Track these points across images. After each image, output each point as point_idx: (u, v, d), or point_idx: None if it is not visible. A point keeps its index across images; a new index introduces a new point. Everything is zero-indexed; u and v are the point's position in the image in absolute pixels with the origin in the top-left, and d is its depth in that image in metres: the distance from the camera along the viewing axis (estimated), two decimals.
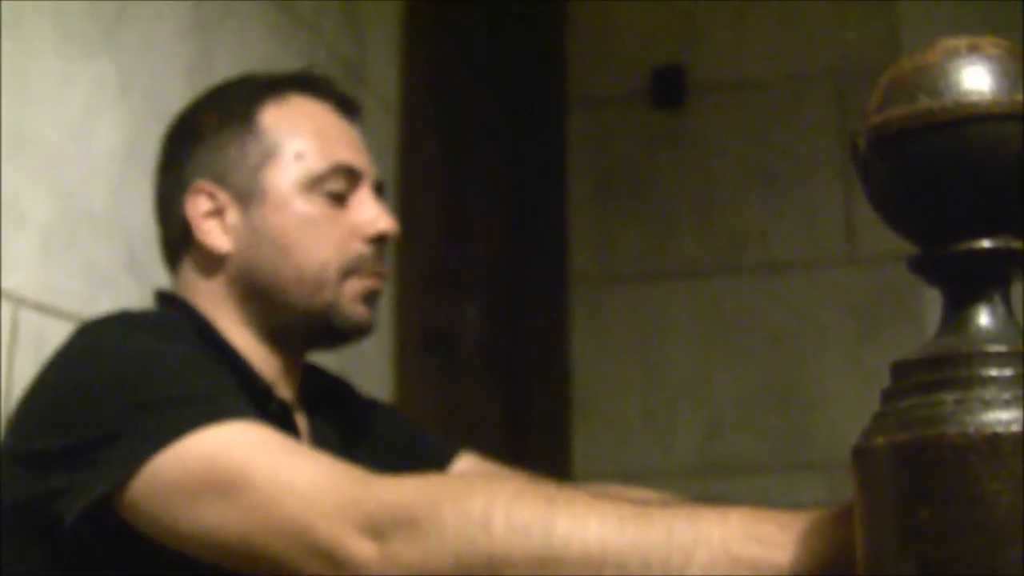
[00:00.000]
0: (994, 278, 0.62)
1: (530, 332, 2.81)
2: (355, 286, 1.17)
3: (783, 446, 2.65)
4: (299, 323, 1.17)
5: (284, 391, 1.18)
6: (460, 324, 2.48)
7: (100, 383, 1.01)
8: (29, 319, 1.27)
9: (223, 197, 1.16)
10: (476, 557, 0.79)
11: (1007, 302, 0.62)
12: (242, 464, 0.92)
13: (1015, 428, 0.56)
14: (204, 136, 1.18)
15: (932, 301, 0.65)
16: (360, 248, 1.18)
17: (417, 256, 2.15)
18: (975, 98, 0.59)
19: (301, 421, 1.20)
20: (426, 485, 0.87)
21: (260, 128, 1.17)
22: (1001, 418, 0.56)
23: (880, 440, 0.59)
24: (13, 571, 1.01)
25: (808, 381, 2.67)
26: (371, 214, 1.19)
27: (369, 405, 1.34)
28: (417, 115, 2.26)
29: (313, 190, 1.16)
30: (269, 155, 1.16)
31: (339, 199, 1.17)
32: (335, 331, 1.18)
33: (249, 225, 1.16)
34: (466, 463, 1.31)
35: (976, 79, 0.60)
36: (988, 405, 0.57)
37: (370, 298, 1.19)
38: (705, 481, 2.63)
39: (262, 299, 1.16)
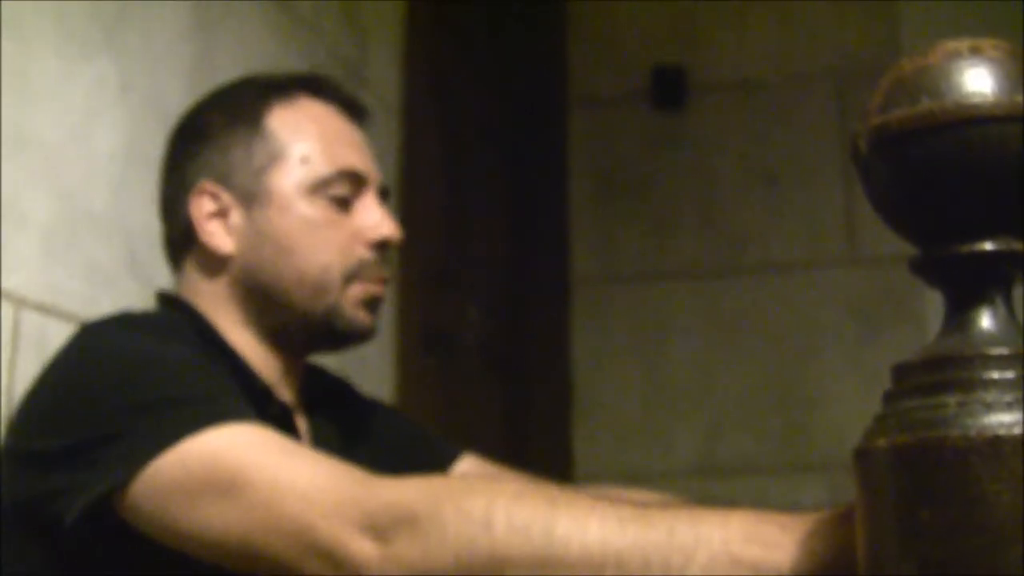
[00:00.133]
0: (995, 280, 0.62)
1: (531, 332, 2.81)
2: (357, 291, 1.17)
3: (784, 447, 2.65)
4: (300, 326, 1.17)
5: (284, 393, 1.18)
6: (461, 324, 2.48)
7: (101, 383, 1.01)
8: (30, 319, 1.27)
9: (227, 198, 1.16)
10: (477, 557, 0.79)
11: (1009, 304, 0.62)
12: (242, 465, 0.92)
13: (1016, 431, 0.56)
14: (210, 136, 1.18)
15: (933, 302, 0.65)
16: (363, 253, 1.17)
17: (418, 256, 2.15)
18: (976, 100, 0.59)
19: (301, 423, 1.20)
20: (427, 485, 0.87)
21: (266, 130, 1.17)
22: (1003, 420, 0.56)
23: (881, 442, 0.59)
24: (13, 571, 1.02)
25: (809, 382, 2.67)
26: (375, 219, 1.18)
27: (370, 406, 1.34)
28: (418, 115, 2.26)
29: (317, 194, 1.16)
30: (274, 157, 1.16)
31: (343, 203, 1.17)
32: (336, 335, 1.18)
33: (253, 227, 1.16)
34: (467, 464, 1.31)
35: (977, 81, 0.60)
36: (990, 407, 0.57)
37: (372, 303, 1.19)
38: (706, 482, 2.63)
39: (264, 301, 1.16)
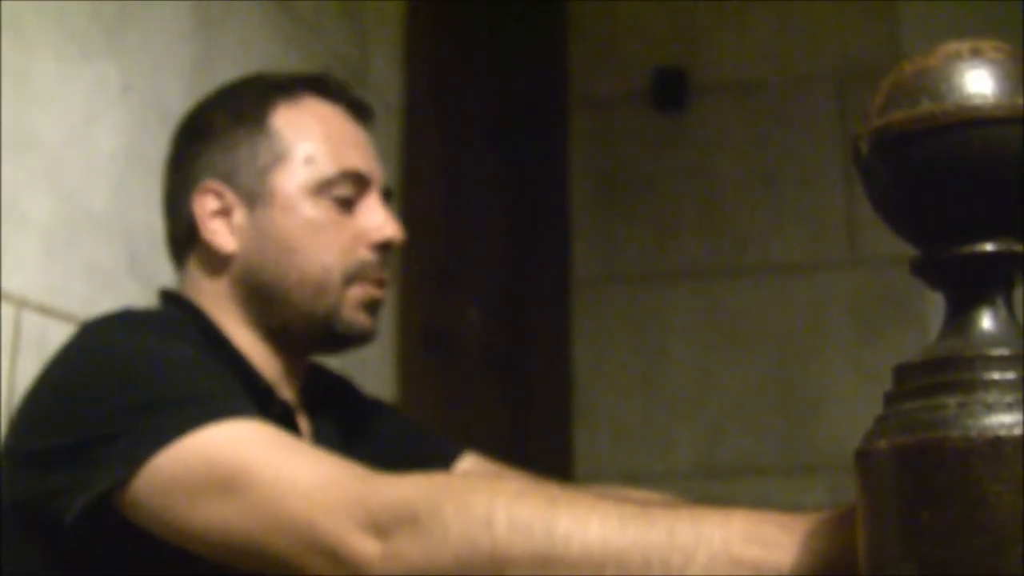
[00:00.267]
0: (996, 281, 0.62)
1: (531, 333, 2.81)
2: (357, 293, 1.17)
3: (785, 448, 2.65)
4: (301, 326, 1.17)
5: (286, 392, 1.18)
6: (461, 325, 2.48)
7: (102, 381, 1.01)
8: (31, 320, 1.27)
9: (231, 197, 1.16)
10: (478, 555, 0.80)
11: (1009, 305, 0.62)
12: (244, 462, 0.92)
13: (1017, 431, 0.56)
14: (214, 135, 1.18)
15: (934, 303, 0.65)
16: (365, 254, 1.18)
17: (418, 256, 2.15)
18: (977, 101, 0.59)
19: (303, 422, 1.20)
20: (428, 483, 0.87)
21: (271, 129, 1.17)
22: (1004, 421, 0.56)
23: (882, 443, 0.59)
24: (14, 570, 1.02)
25: (810, 383, 2.67)
26: (378, 220, 1.19)
27: (372, 405, 1.34)
28: (418, 116, 2.26)
29: (321, 194, 1.16)
30: (279, 157, 1.16)
31: (347, 204, 1.17)
32: (336, 337, 1.18)
33: (255, 226, 1.16)
34: (469, 463, 1.31)
35: (978, 83, 0.60)
36: (991, 408, 0.57)
37: (372, 306, 1.19)
38: (707, 483, 2.63)
39: (265, 300, 1.16)
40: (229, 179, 1.16)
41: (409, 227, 1.21)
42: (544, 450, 2.70)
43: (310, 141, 1.17)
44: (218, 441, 0.94)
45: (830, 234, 2.71)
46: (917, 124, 0.60)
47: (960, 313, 0.62)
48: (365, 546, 0.84)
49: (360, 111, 1.25)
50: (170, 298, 1.19)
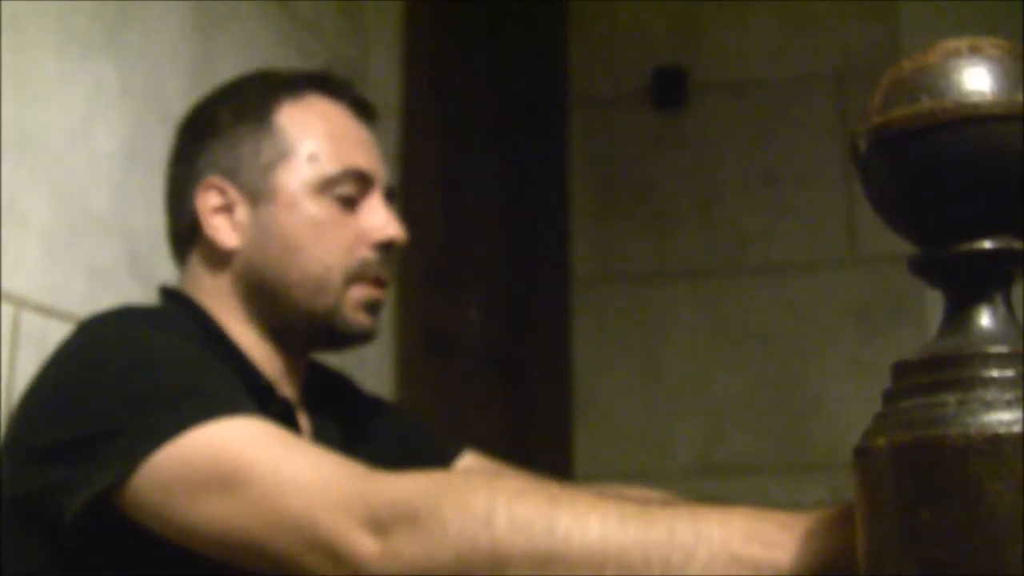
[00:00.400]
0: (995, 279, 0.62)
1: (531, 332, 2.81)
2: (358, 293, 1.17)
3: (784, 447, 2.65)
4: (301, 324, 1.17)
5: (286, 389, 1.18)
6: (461, 324, 2.48)
7: (101, 377, 1.01)
8: (30, 320, 1.27)
9: (233, 193, 1.16)
10: (478, 554, 0.80)
11: (1008, 303, 0.62)
12: (244, 459, 0.92)
13: (1016, 429, 0.56)
14: (219, 131, 1.18)
15: (933, 302, 0.65)
16: (366, 254, 1.18)
17: (418, 256, 2.15)
18: (976, 99, 0.59)
19: (303, 419, 1.20)
20: (428, 481, 0.87)
21: (275, 127, 1.17)
22: (1003, 419, 0.56)
23: (881, 441, 0.59)
24: (13, 566, 1.02)
25: (809, 382, 2.67)
26: (380, 220, 1.18)
27: (372, 403, 1.34)
28: (418, 115, 2.26)
29: (324, 193, 1.16)
30: (282, 154, 1.16)
31: (349, 203, 1.17)
32: (336, 336, 1.18)
33: (258, 223, 1.16)
34: (469, 461, 1.31)
35: (977, 80, 0.60)
36: (990, 406, 0.57)
37: (372, 306, 1.19)
38: (706, 482, 2.63)
39: (266, 298, 1.16)
40: (232, 175, 1.16)
41: (409, 227, 1.21)
42: (544, 449, 2.70)
43: (314, 139, 1.17)
44: (218, 438, 0.94)
45: (830, 233, 2.71)
46: (916, 121, 0.60)
47: (959, 311, 0.62)
48: (365, 544, 0.84)
49: (364, 110, 1.25)
50: (170, 295, 1.19)
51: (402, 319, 2.14)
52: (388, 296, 1.25)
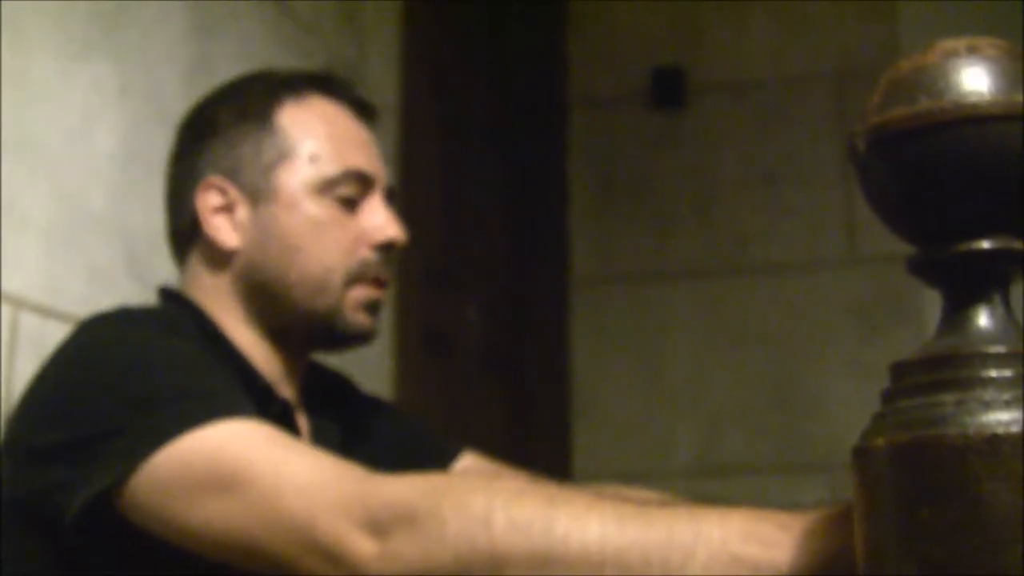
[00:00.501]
0: (993, 279, 0.62)
1: (530, 332, 2.81)
2: (358, 294, 1.17)
3: (783, 447, 2.65)
4: (301, 325, 1.17)
5: (285, 390, 1.18)
6: (461, 324, 2.48)
7: (101, 378, 1.01)
8: (29, 321, 1.27)
9: (234, 193, 1.16)
10: (476, 555, 0.80)
11: (1006, 303, 0.62)
12: (243, 461, 0.92)
13: (1015, 429, 0.56)
14: (219, 130, 1.18)
15: (932, 302, 0.65)
16: (366, 255, 1.17)
17: (417, 256, 2.15)
18: (974, 99, 0.59)
19: (302, 420, 1.20)
20: (427, 483, 0.87)
21: (276, 127, 1.17)
22: (1001, 419, 0.56)
23: (880, 441, 0.59)
24: (13, 566, 1.02)
25: (808, 382, 2.67)
26: (380, 221, 1.18)
27: (371, 403, 1.34)
28: (417, 116, 2.26)
29: (324, 193, 1.16)
30: (283, 155, 1.16)
31: (350, 204, 1.17)
32: (336, 336, 1.18)
33: (258, 223, 1.16)
34: (468, 462, 1.31)
35: (975, 80, 0.60)
36: (988, 406, 0.57)
37: (372, 307, 1.19)
38: (705, 482, 2.63)
39: (266, 298, 1.16)
40: (233, 175, 1.16)
41: (408, 227, 1.22)
42: (543, 449, 2.70)
43: (315, 139, 1.17)
44: (217, 440, 0.94)
45: (829, 233, 2.71)
46: (914, 121, 0.60)
47: (957, 311, 0.62)
48: (363, 546, 0.84)
49: (365, 110, 1.25)
50: (169, 296, 1.19)
51: (401, 319, 2.14)
52: (387, 297, 1.25)
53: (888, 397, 0.62)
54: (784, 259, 2.74)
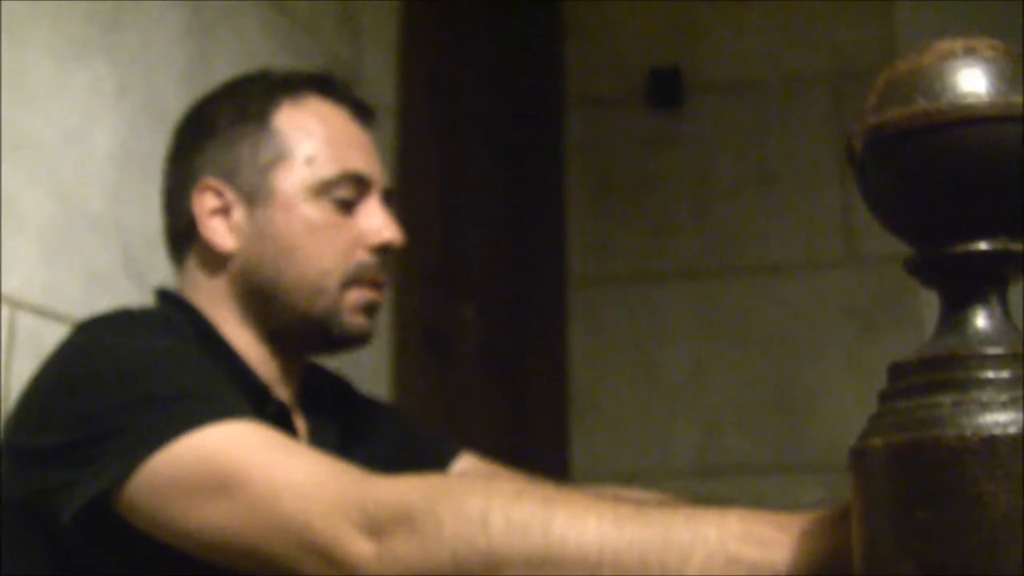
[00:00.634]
0: (991, 280, 0.62)
1: (528, 332, 2.81)
2: (355, 297, 1.17)
3: (781, 447, 2.65)
4: (298, 327, 1.17)
5: (283, 392, 1.18)
6: (458, 324, 2.48)
7: (98, 380, 1.01)
8: (27, 322, 1.27)
9: (231, 195, 1.16)
10: (474, 556, 0.80)
11: (1004, 303, 0.62)
12: (240, 462, 0.92)
13: (1012, 430, 0.56)
14: (217, 131, 1.18)
15: (930, 303, 0.65)
16: (363, 257, 1.17)
17: (415, 256, 2.15)
18: (971, 100, 0.59)
19: (299, 422, 1.20)
20: (424, 484, 0.87)
21: (273, 128, 1.17)
22: (998, 420, 0.56)
23: (877, 441, 0.59)
24: (13, 566, 1.02)
25: (806, 382, 2.67)
26: (377, 223, 1.18)
27: (369, 404, 1.34)
28: (415, 116, 2.26)
29: (321, 195, 1.16)
30: (280, 156, 1.16)
31: (347, 206, 1.17)
32: (332, 339, 1.18)
33: (255, 225, 1.16)
34: (466, 463, 1.31)
35: (972, 81, 0.60)
36: (985, 407, 0.57)
37: (369, 309, 1.19)
38: (703, 482, 2.63)
39: (262, 300, 1.16)
40: (230, 177, 1.16)
41: (405, 228, 1.21)
42: (541, 449, 2.70)
43: (312, 141, 1.17)
44: (214, 441, 0.94)
45: (826, 233, 2.71)
46: (911, 122, 0.60)
47: (955, 312, 0.62)
48: (360, 547, 0.84)
49: (363, 112, 1.24)
50: (166, 297, 1.19)
51: (399, 319, 2.14)
52: (385, 296, 1.25)
53: (886, 398, 0.62)
54: (782, 259, 2.74)
